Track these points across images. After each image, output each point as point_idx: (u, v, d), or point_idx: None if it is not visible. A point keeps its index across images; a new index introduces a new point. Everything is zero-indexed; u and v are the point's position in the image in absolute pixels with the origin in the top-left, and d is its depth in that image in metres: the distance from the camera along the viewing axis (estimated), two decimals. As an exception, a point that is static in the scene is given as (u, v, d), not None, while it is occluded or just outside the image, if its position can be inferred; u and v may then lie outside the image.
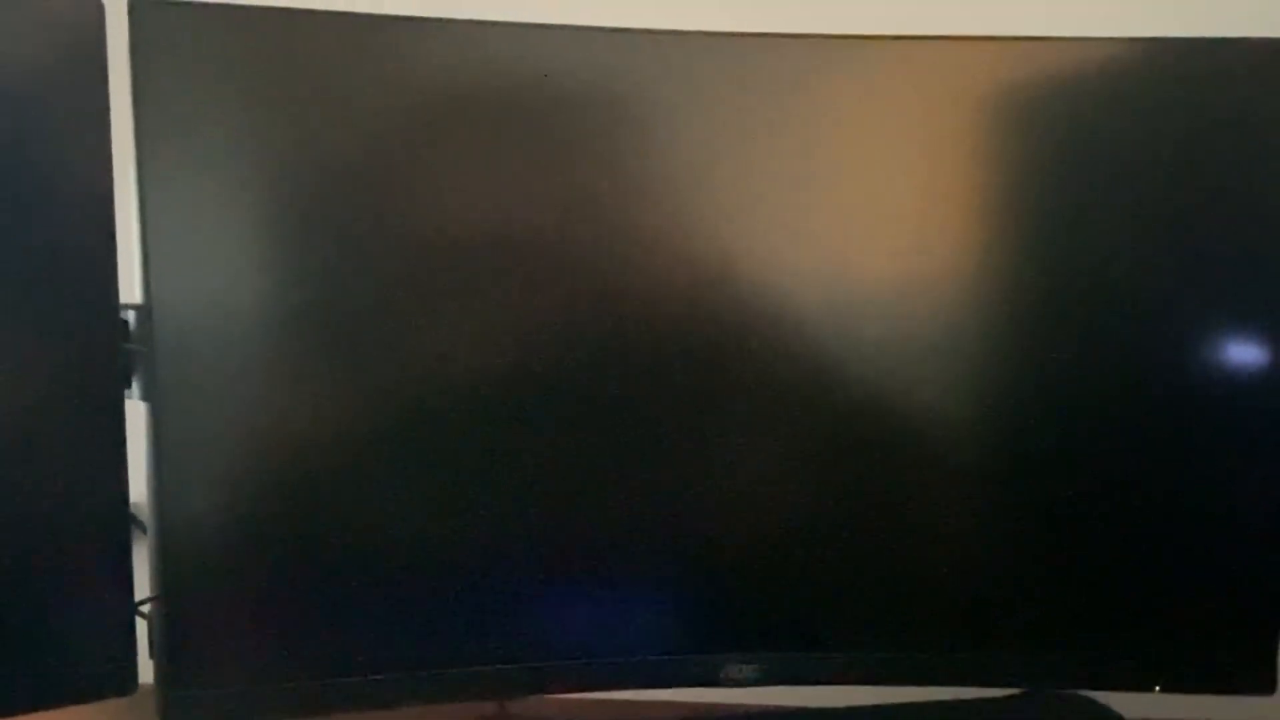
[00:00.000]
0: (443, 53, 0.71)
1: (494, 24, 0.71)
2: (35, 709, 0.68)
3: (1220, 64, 0.75)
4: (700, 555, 0.77)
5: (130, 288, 0.69)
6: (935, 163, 0.76)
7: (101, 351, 0.68)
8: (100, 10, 0.66)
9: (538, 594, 0.76)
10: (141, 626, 0.71)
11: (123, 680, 0.70)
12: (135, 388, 0.69)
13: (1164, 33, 0.75)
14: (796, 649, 0.78)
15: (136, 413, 0.69)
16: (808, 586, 0.79)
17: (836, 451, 0.78)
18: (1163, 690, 0.80)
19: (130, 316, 0.69)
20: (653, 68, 0.73)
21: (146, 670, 0.71)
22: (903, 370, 0.77)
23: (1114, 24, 0.77)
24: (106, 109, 0.67)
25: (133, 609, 0.71)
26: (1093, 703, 0.83)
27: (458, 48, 0.71)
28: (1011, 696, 0.83)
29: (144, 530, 0.71)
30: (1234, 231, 0.76)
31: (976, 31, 0.74)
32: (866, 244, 0.77)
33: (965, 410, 0.78)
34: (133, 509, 0.71)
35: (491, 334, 0.74)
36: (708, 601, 0.78)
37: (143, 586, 0.71)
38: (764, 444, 0.77)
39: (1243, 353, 0.77)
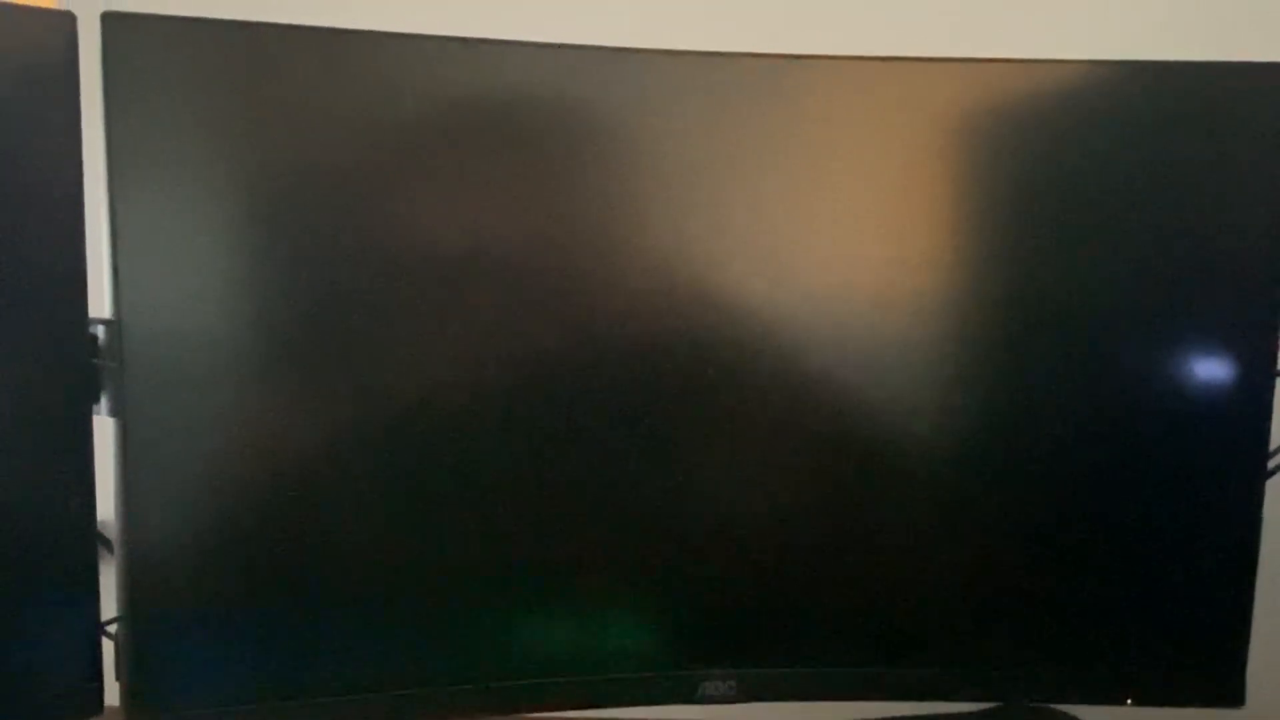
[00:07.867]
0: (416, 69, 0.71)
1: (470, 40, 0.71)
2: (-2, 732, 0.67)
3: (1195, 87, 0.76)
4: (677, 572, 0.77)
5: (100, 302, 0.68)
6: (916, 182, 0.77)
7: (70, 367, 0.68)
8: (72, 23, 0.66)
9: (511, 612, 0.76)
10: (108, 647, 0.70)
11: (88, 702, 0.69)
12: (104, 404, 0.69)
13: (1146, 56, 0.77)
14: (774, 665, 0.78)
15: (105, 429, 0.69)
16: (785, 602, 0.79)
17: (812, 469, 0.78)
18: (1134, 703, 0.81)
19: (99, 331, 0.68)
20: (633, 85, 0.73)
21: (112, 692, 0.70)
22: (876, 389, 0.78)
23: (1091, 47, 0.78)
24: (78, 122, 0.66)
25: (99, 629, 0.70)
26: (1065, 716, 0.84)
27: (431, 64, 0.71)
28: (985, 710, 0.83)
29: (111, 549, 0.70)
30: (1211, 252, 0.77)
31: (960, 53, 0.76)
32: (845, 263, 0.77)
33: (939, 428, 0.79)
34: (100, 527, 0.69)
35: (464, 352, 0.74)
36: (685, 618, 0.78)
37: (109, 606, 0.70)
38: (740, 462, 0.77)
39: (1214, 372, 0.78)
